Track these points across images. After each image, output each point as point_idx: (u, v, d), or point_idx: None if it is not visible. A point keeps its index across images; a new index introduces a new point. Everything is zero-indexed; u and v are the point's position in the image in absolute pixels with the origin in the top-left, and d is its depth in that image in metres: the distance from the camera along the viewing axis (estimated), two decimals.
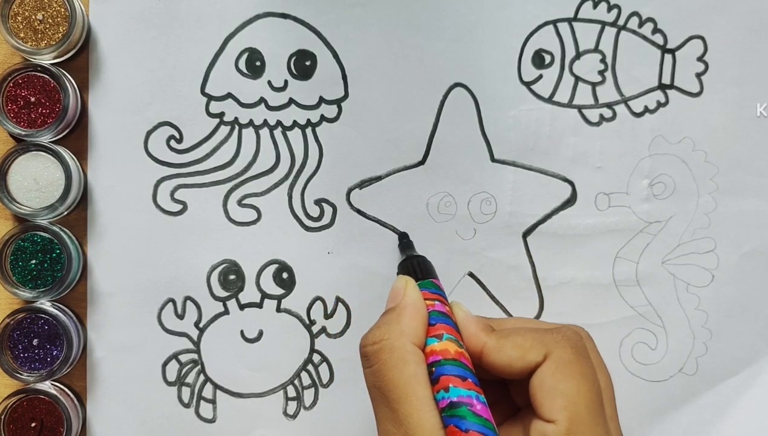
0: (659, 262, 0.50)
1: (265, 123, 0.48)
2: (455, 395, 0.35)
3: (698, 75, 0.50)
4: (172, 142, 0.48)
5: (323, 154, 0.49)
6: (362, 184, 0.49)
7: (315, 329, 0.49)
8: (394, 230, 0.49)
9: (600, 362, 0.40)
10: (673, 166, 0.50)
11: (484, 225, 0.49)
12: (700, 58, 0.50)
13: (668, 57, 0.50)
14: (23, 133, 0.45)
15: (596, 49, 0.49)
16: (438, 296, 0.40)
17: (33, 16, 0.45)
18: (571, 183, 0.50)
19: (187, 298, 0.48)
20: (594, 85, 0.50)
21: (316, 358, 0.49)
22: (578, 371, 0.37)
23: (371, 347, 0.38)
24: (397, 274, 0.44)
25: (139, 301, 0.48)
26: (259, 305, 0.48)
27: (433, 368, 0.37)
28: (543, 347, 0.38)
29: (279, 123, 0.48)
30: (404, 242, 0.48)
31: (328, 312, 0.49)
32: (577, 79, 0.50)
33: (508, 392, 0.41)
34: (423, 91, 0.49)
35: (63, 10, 0.45)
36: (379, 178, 0.49)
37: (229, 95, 0.48)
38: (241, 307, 0.48)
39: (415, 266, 0.43)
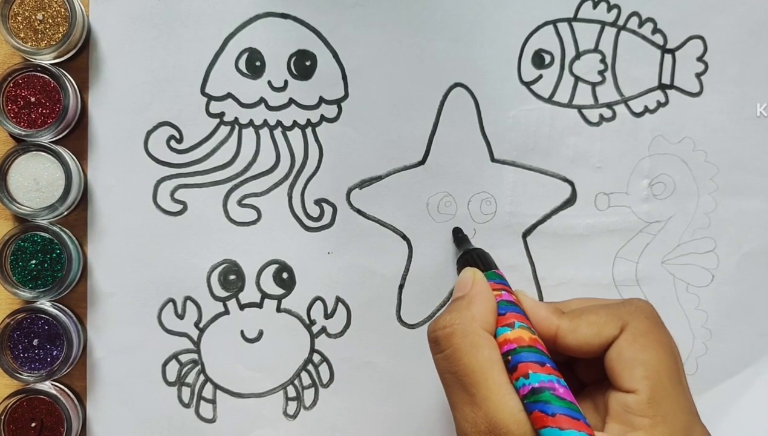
0: (659, 262, 0.50)
1: (265, 123, 0.48)
2: (536, 380, 0.35)
3: (698, 75, 0.50)
4: (172, 143, 0.48)
5: (323, 154, 0.49)
6: (362, 184, 0.49)
7: (315, 329, 0.49)
8: (394, 229, 0.49)
9: (669, 332, 0.40)
10: (673, 166, 0.50)
11: (484, 225, 0.49)
12: (700, 58, 0.50)
13: (668, 57, 0.50)
14: (23, 133, 0.45)
15: (596, 49, 0.50)
16: (503, 285, 0.41)
17: (33, 17, 0.45)
18: (571, 183, 0.50)
19: (187, 298, 0.48)
20: (594, 85, 0.50)
21: (316, 358, 0.49)
22: (656, 340, 0.37)
23: (442, 331, 0.38)
24: (457, 267, 0.44)
25: (139, 301, 0.48)
26: (259, 305, 0.48)
27: (509, 357, 0.37)
28: (618, 320, 0.38)
29: (279, 123, 0.48)
30: (459, 236, 0.48)
31: (328, 312, 0.49)
32: (577, 79, 0.50)
33: (571, 371, 0.41)
34: (423, 91, 0.49)
35: (63, 10, 0.45)
36: (379, 178, 0.49)
37: (229, 95, 0.48)
38: (241, 307, 0.48)
39: (476, 259, 0.44)
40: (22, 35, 0.45)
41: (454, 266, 0.49)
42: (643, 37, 0.50)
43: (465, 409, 0.36)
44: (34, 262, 0.46)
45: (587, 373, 0.41)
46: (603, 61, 0.50)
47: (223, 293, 0.48)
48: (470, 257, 0.44)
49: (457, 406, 0.37)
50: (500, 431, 0.35)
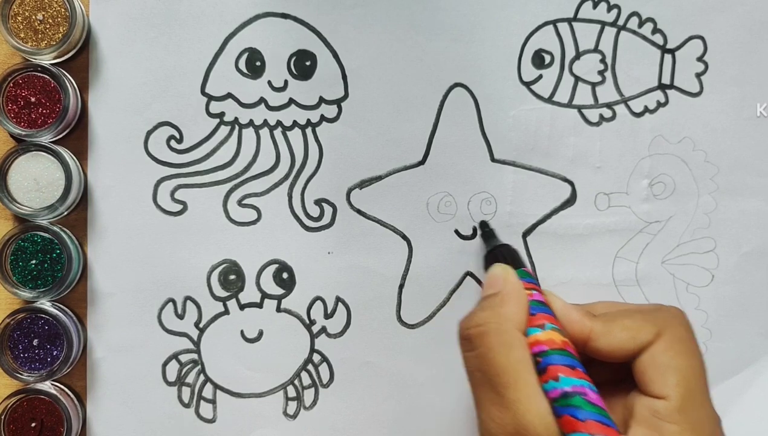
0: (659, 262, 0.50)
1: (265, 123, 0.48)
2: (567, 384, 0.35)
3: (698, 75, 0.50)
4: (172, 143, 0.48)
5: (323, 154, 0.49)
6: (362, 184, 0.49)
7: (315, 329, 0.49)
8: (394, 229, 0.49)
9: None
10: (673, 166, 0.50)
11: None
12: (700, 59, 0.50)
13: (668, 57, 0.50)
14: (23, 133, 0.45)
15: (596, 49, 0.50)
16: (534, 285, 0.40)
17: (33, 17, 0.45)
18: (571, 183, 0.50)
19: (187, 298, 0.48)
20: (594, 85, 0.50)
21: (316, 358, 0.49)
22: (690, 348, 0.37)
23: (475, 329, 0.37)
24: (484, 263, 0.44)
25: (139, 301, 0.48)
26: (259, 305, 0.48)
27: (539, 358, 0.36)
28: (654, 326, 0.38)
29: (279, 123, 0.48)
30: (487, 230, 0.48)
31: (328, 312, 0.49)
32: (577, 79, 0.50)
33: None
34: (423, 91, 0.49)
35: (63, 10, 0.45)
36: (379, 178, 0.49)
37: (229, 95, 0.48)
38: (241, 307, 0.48)
39: (505, 256, 0.43)
40: (22, 35, 0.45)
41: (454, 266, 0.49)
42: (643, 37, 0.50)
43: (492, 409, 0.36)
44: (34, 262, 0.46)
45: (601, 375, 0.41)
46: (603, 61, 0.50)
47: (223, 293, 0.48)
48: (499, 253, 0.44)
49: (483, 405, 0.36)
50: (528, 433, 0.34)
